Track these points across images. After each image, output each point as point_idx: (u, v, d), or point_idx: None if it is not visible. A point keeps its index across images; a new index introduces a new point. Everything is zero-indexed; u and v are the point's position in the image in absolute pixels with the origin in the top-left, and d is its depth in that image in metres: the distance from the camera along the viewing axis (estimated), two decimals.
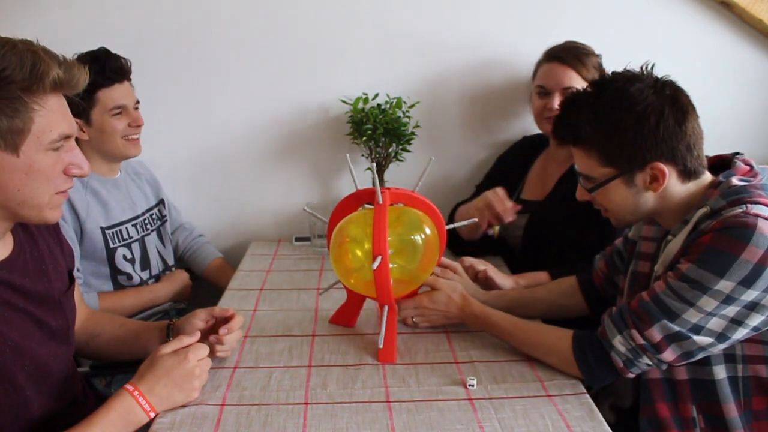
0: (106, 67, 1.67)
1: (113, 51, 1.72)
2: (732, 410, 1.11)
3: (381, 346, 1.24)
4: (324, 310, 1.49)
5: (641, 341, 1.08)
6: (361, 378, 1.19)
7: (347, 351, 1.29)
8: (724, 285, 1.00)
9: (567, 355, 1.17)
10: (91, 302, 1.60)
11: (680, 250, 1.08)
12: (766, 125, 2.08)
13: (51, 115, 0.96)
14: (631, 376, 1.13)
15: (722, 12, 1.99)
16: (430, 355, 1.28)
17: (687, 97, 1.11)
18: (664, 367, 1.11)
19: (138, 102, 1.77)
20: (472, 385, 1.15)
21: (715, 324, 1.03)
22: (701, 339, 1.04)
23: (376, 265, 1.18)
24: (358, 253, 1.27)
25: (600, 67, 1.75)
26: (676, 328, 1.05)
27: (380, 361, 1.24)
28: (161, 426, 1.03)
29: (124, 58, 1.73)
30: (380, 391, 1.14)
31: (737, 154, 1.16)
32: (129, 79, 1.75)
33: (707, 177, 1.14)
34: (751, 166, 1.13)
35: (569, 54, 1.74)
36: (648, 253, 1.25)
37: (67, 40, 1.87)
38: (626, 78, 1.11)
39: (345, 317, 1.41)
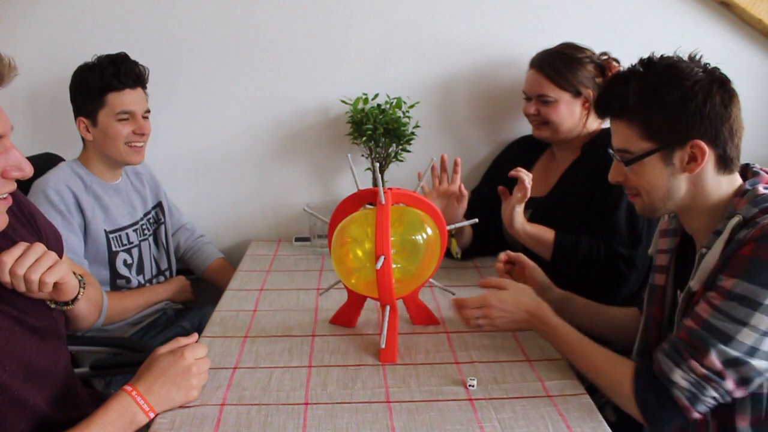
0: (120, 72, 1.67)
1: (113, 52, 1.72)
2: (744, 420, 1.07)
3: (383, 346, 1.24)
4: (324, 310, 1.49)
5: (703, 371, 1.00)
6: (362, 378, 1.19)
7: (347, 351, 1.29)
8: None
9: (628, 396, 1.07)
10: None
11: (718, 264, 1.03)
12: (766, 125, 2.08)
13: None
14: (697, 416, 1.03)
15: (722, 12, 1.99)
16: (431, 355, 1.28)
17: (732, 85, 1.10)
18: (729, 399, 1.02)
19: (148, 111, 1.76)
20: (473, 386, 1.14)
21: None
22: (759, 363, 0.98)
23: (379, 265, 1.17)
24: (359, 253, 1.26)
25: (596, 74, 1.72)
26: (734, 353, 0.98)
27: (381, 362, 1.24)
28: (161, 426, 1.03)
29: (142, 66, 1.73)
30: (380, 392, 1.14)
31: (747, 165, 1.15)
32: (143, 87, 1.75)
33: (737, 178, 1.12)
34: None
35: (545, 62, 1.74)
36: (663, 266, 1.24)
37: (68, 43, 1.90)
38: (676, 58, 1.11)
39: (345, 317, 1.41)
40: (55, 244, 1.17)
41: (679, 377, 1.02)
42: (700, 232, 1.14)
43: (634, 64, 1.14)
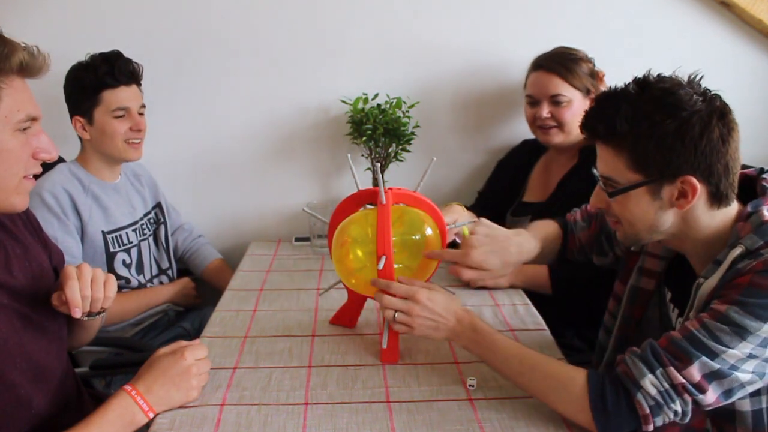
0: (115, 69, 1.68)
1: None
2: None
3: (385, 347, 1.24)
4: (324, 310, 1.49)
5: (681, 380, 0.94)
6: (362, 378, 1.19)
7: (347, 351, 1.29)
8: (766, 329, 0.91)
9: (578, 395, 0.99)
10: None
11: (713, 291, 0.99)
12: (766, 125, 2.08)
13: (18, 95, 0.97)
14: (650, 429, 0.96)
15: (722, 12, 1.99)
16: (431, 355, 1.27)
17: (733, 115, 1.02)
18: (687, 419, 0.97)
19: (144, 107, 1.77)
20: (472, 386, 1.14)
21: (754, 365, 0.94)
22: (742, 375, 0.94)
23: (381, 265, 1.17)
24: (360, 253, 1.27)
25: (592, 72, 1.73)
26: (717, 366, 0.93)
27: (383, 362, 1.24)
28: (161, 426, 1.03)
29: (135, 63, 1.74)
30: (380, 392, 1.14)
31: (763, 171, 1.07)
32: (138, 84, 1.76)
33: (735, 207, 1.04)
34: None
35: (554, 61, 1.73)
36: (654, 271, 1.20)
37: (68, 43, 1.89)
38: (674, 81, 1.02)
39: (346, 318, 1.41)
40: (58, 260, 1.20)
41: (649, 383, 0.95)
42: (695, 256, 1.09)
43: (627, 83, 1.04)
